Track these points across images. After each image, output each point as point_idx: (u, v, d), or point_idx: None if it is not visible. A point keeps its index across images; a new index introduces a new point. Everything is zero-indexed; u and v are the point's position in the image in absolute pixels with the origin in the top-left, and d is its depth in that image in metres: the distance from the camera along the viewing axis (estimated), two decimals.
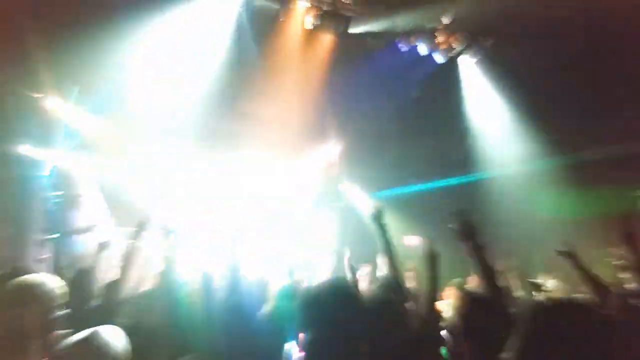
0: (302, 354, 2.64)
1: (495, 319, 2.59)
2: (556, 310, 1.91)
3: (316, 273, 6.01)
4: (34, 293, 2.36)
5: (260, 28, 8.36)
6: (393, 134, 9.90)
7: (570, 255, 3.92)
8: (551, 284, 5.19)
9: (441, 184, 9.72)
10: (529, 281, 4.96)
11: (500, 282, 3.12)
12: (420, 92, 9.62)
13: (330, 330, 2.46)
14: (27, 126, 7.03)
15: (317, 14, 8.33)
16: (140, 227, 4.07)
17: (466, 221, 3.08)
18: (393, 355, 2.82)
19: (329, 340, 2.44)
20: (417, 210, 9.16)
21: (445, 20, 8.59)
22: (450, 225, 3.11)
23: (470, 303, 2.85)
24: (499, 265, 4.46)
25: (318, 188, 9.95)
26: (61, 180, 7.32)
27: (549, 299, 2.81)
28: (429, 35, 8.75)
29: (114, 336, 2.24)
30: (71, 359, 2.14)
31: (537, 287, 4.89)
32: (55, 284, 2.46)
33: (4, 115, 6.73)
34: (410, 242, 5.52)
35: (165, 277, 3.72)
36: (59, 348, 2.18)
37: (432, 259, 3.55)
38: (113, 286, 3.90)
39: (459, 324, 2.79)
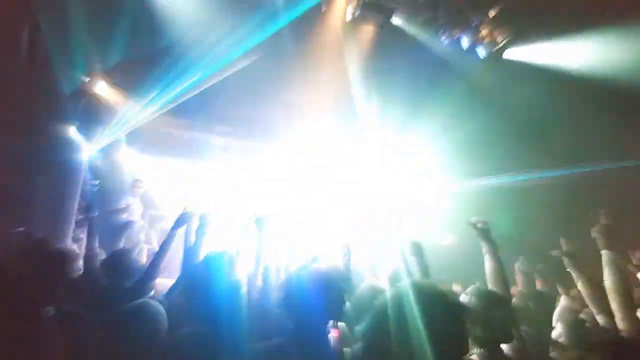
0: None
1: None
2: None
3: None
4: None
5: (302, 18, 8.36)
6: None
7: (569, 256, 3.66)
8: None
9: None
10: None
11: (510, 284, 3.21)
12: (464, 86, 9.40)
13: None
14: (75, 109, 7.29)
15: (359, 5, 8.25)
16: (183, 216, 4.19)
17: (483, 222, 3.24)
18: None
19: None
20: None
21: (491, 12, 8.35)
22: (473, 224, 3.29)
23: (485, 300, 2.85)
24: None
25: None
26: (104, 165, 7.59)
27: None
28: (473, 27, 8.51)
29: (159, 307, 2.65)
30: (126, 321, 2.51)
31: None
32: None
33: (54, 98, 6.97)
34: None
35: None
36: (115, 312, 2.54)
37: (417, 250, 3.69)
38: (148, 269, 4.04)
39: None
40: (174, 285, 4.01)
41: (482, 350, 2.48)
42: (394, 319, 1.84)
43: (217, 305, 3.30)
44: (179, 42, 7.31)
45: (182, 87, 7.64)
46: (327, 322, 2.82)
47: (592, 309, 3.09)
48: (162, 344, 2.70)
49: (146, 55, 7.66)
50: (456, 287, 5.74)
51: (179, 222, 4.17)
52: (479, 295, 2.70)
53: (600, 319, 3.04)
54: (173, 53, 7.32)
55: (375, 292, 3.17)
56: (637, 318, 2.93)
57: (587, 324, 3.20)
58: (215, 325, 2.94)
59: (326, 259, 4.23)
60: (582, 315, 3.33)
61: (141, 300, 2.70)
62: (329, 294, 2.78)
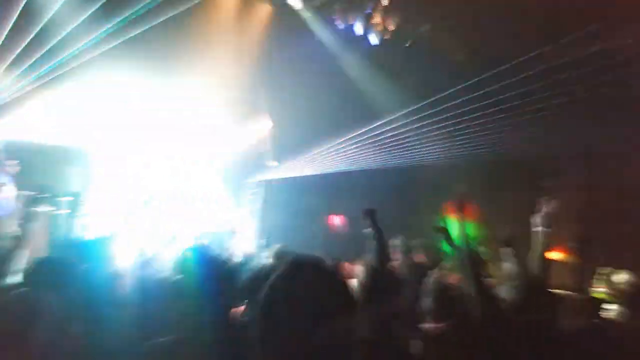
0: None
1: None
2: None
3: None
4: None
5: None
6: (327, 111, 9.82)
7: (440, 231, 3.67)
8: None
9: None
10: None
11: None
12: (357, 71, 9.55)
13: None
14: None
15: None
16: (42, 192, 3.83)
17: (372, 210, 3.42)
18: None
19: None
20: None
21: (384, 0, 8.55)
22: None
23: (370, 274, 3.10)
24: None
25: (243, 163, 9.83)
26: None
27: None
28: (366, 14, 8.67)
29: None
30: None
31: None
32: None
33: None
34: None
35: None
36: None
37: None
38: (7, 252, 3.68)
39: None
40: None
41: None
42: None
43: (90, 297, 3.06)
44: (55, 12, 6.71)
45: (57, 60, 7.04)
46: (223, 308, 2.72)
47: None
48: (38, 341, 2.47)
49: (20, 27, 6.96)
50: (350, 266, 5.89)
51: (35, 202, 3.72)
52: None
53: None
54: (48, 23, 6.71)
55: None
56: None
57: (452, 296, 3.39)
58: (88, 320, 2.73)
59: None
60: (448, 287, 3.52)
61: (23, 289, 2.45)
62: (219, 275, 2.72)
